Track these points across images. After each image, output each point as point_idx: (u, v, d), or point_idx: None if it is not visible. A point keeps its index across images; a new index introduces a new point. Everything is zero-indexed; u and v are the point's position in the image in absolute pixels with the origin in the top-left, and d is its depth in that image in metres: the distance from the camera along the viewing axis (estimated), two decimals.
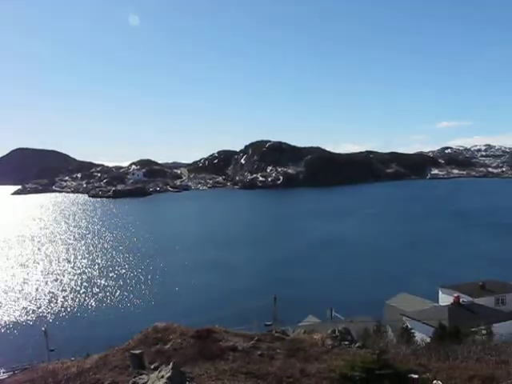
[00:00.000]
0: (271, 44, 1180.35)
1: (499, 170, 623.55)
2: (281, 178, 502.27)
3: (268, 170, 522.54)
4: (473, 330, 45.66)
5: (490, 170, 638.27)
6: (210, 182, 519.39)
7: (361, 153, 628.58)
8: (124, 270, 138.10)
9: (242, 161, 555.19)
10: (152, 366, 20.62)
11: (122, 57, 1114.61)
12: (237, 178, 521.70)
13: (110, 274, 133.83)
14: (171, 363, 18.13)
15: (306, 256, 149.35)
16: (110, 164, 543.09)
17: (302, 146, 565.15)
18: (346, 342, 21.68)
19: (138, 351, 21.80)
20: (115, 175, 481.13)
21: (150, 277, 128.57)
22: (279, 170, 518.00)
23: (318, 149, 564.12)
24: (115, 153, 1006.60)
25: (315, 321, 62.12)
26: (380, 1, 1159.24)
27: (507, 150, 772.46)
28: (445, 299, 71.55)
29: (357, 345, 21.63)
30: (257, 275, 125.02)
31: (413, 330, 52.23)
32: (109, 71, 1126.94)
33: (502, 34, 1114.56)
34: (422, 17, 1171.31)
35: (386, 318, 69.19)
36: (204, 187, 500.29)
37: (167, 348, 23.54)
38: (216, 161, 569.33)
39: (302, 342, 21.78)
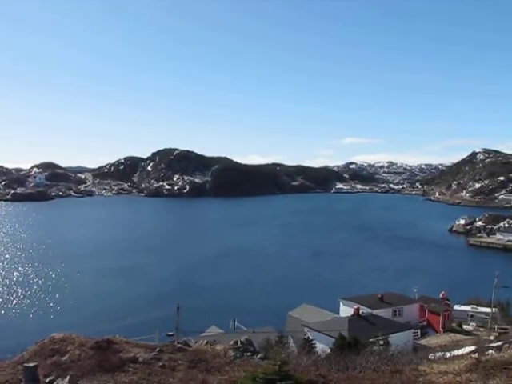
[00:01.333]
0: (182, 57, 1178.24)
1: (400, 187, 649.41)
2: (187, 186, 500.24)
3: (175, 179, 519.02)
4: (371, 340, 46.95)
5: (392, 186, 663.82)
6: (115, 188, 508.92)
7: (268, 164, 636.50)
8: (20, 277, 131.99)
9: (149, 168, 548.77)
10: (47, 380, 19.71)
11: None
12: (143, 186, 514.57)
13: (4, 281, 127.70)
14: (68, 376, 17.40)
15: (211, 266, 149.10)
16: (10, 166, 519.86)
17: (210, 155, 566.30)
18: (248, 353, 21.63)
19: (32, 364, 20.72)
20: (15, 177, 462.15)
21: (48, 284, 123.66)
22: (186, 178, 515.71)
23: (225, 159, 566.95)
24: (15, 154, 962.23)
25: (218, 331, 61.87)
26: None
27: (408, 167, 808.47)
28: (345, 311, 73.34)
29: (259, 356, 21.61)
30: (160, 284, 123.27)
31: (314, 341, 53.11)
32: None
33: (411, 61, 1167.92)
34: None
35: (288, 328, 69.89)
36: (109, 193, 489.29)
37: (64, 360, 22.59)
38: (122, 167, 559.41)
39: (204, 353, 21.53)
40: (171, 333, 41.45)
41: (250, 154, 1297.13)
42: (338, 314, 75.91)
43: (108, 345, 22.50)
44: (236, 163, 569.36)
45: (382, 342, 47.22)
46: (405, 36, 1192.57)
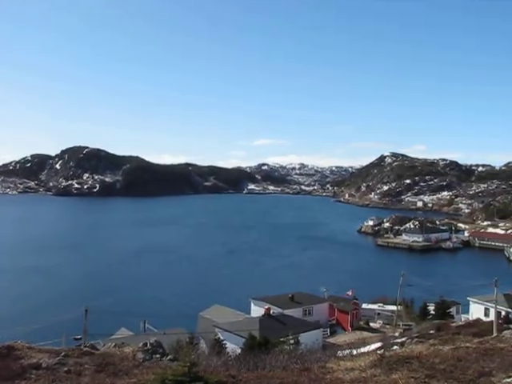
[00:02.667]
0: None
1: (311, 188, 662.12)
2: (97, 185, 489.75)
3: (84, 177, 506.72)
4: (281, 339, 47.49)
5: (303, 187, 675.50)
6: (21, 186, 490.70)
7: (180, 164, 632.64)
8: None
9: (58, 166, 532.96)
10: None
11: None
12: (50, 184, 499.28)
13: None
14: None
15: (122, 266, 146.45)
16: None
17: (121, 154, 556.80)
18: (158, 355, 21.27)
19: None
20: None
21: None
22: (96, 177, 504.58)
23: (137, 158, 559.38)
24: None
25: (128, 334, 60.74)
26: None
27: (319, 169, 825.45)
28: (256, 311, 73.89)
29: (168, 357, 21.29)
30: (69, 285, 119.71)
31: (225, 342, 53.13)
32: None
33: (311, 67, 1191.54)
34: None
35: (199, 329, 69.62)
36: (14, 192, 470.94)
37: None
38: (29, 164, 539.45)
39: (111, 356, 20.95)
40: (79, 336, 40.32)
41: (163, 154, 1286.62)
42: (250, 314, 76.33)
43: (8, 351, 21.48)
44: (148, 163, 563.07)
45: (292, 341, 47.85)
46: (310, 43, 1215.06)
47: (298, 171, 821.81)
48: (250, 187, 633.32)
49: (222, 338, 55.39)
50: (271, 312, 65.10)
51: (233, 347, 49.22)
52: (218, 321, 66.84)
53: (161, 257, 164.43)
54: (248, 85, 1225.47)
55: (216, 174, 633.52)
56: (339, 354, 32.44)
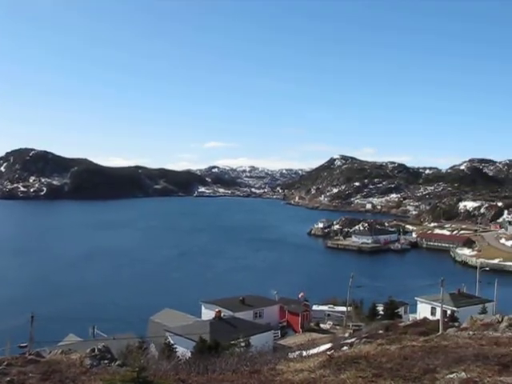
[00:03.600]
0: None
1: (261, 191, 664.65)
2: (44, 189, 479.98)
3: (31, 180, 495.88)
4: (232, 342, 47.45)
5: (254, 190, 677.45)
6: None
7: (130, 167, 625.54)
8: None
9: (2, 169, 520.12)
10: None
11: None
12: None
13: None
14: None
15: (70, 270, 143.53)
16: None
17: (69, 156, 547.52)
18: (106, 361, 20.92)
19: None
20: None
21: None
22: (43, 180, 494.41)
23: (85, 160, 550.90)
24: None
25: (76, 340, 59.59)
26: None
27: (269, 172, 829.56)
28: (207, 314, 73.65)
29: (117, 363, 20.97)
30: (13, 291, 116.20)
31: (175, 345, 52.75)
32: None
33: (262, 67, 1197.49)
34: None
35: (149, 334, 68.87)
36: None
37: None
38: None
39: (58, 363, 20.49)
40: (24, 344, 39.39)
41: (112, 157, 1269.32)
42: (200, 317, 76.04)
43: None
44: (97, 165, 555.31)
45: (242, 344, 47.87)
46: (263, 42, 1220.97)
47: (248, 174, 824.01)
48: (200, 190, 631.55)
49: (172, 341, 54.97)
50: (222, 315, 64.97)
51: (183, 351, 48.91)
52: (169, 325, 66.29)
53: (111, 260, 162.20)
54: (198, 87, 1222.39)
55: (166, 176, 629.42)
56: (289, 355, 32.64)
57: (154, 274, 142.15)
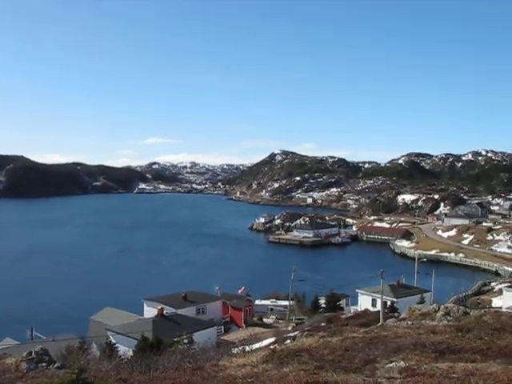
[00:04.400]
0: None
1: (203, 187, 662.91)
2: None
3: None
4: (175, 339, 47.08)
5: (195, 186, 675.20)
6: None
7: (68, 164, 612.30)
8: None
9: None
10: None
11: None
12: None
13: None
14: None
15: (6, 270, 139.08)
16: None
17: (4, 153, 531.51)
18: (44, 364, 20.34)
19: None
20: None
21: None
22: None
23: (21, 158, 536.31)
24: None
25: (13, 343, 57.81)
26: None
27: (210, 168, 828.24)
28: (150, 311, 72.78)
29: (55, 365, 20.42)
30: None
31: (117, 345, 51.95)
32: None
33: (197, 62, 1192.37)
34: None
35: (91, 334, 67.54)
36: None
37: None
38: None
39: None
40: None
41: (49, 153, 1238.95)
42: (143, 315, 75.15)
43: None
44: (34, 162, 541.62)
45: (185, 341, 47.57)
46: (197, 38, 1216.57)
47: (189, 170, 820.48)
48: (140, 187, 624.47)
49: (113, 341, 54.11)
50: (164, 312, 64.39)
51: (125, 350, 48.22)
52: (110, 324, 65.23)
53: (49, 259, 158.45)
54: (137, 83, 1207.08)
55: (105, 173, 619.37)
56: (233, 350, 32.64)
57: (94, 272, 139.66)
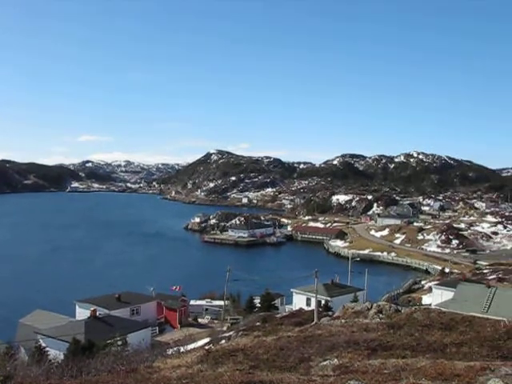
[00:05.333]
0: None
1: (137, 186, 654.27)
2: None
3: None
4: (108, 341, 46.26)
5: (129, 185, 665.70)
6: None
7: None
8: None
9: None
10: None
11: None
12: None
13: None
14: None
15: None
16: None
17: None
18: None
19: None
20: None
21: None
22: None
23: None
24: None
25: None
26: None
27: (145, 167, 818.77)
28: (82, 313, 71.21)
29: None
30: None
31: (47, 348, 50.54)
32: None
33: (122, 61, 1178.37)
34: None
35: (19, 338, 65.45)
36: None
37: None
38: None
39: None
40: None
41: None
42: (75, 317, 73.43)
43: None
44: None
45: (119, 343, 46.83)
46: (128, 36, 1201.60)
47: (123, 168, 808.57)
48: (73, 185, 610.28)
49: (43, 344, 52.60)
50: (97, 314, 63.14)
51: (56, 354, 46.98)
52: (40, 327, 63.39)
53: None
54: (70, 81, 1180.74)
55: (37, 171, 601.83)
56: (168, 352, 32.32)
57: (23, 272, 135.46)
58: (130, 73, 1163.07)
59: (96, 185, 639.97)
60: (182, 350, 29.71)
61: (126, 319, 66.05)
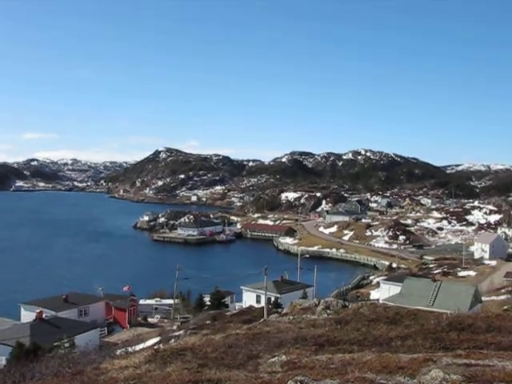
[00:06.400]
0: None
1: (85, 184, 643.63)
2: None
3: None
4: (55, 344, 45.40)
5: (76, 183, 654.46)
6: None
7: None
8: None
9: None
10: None
11: None
12: None
13: None
14: None
15: None
16: None
17: None
18: None
19: None
20: None
21: None
22: None
23: None
24: None
25: None
26: None
27: (92, 165, 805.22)
28: (27, 316, 69.62)
29: None
30: None
31: None
32: None
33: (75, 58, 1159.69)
34: None
35: None
36: None
37: None
38: None
39: None
40: None
41: None
42: (20, 320, 71.75)
43: None
44: None
45: (67, 345, 46.01)
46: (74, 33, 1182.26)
47: (70, 167, 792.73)
48: (18, 184, 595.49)
49: None
50: (44, 316, 61.86)
51: None
52: None
53: None
54: (9, 77, 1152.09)
55: None
56: (116, 352, 31.94)
57: None
58: (77, 70, 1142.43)
59: (42, 184, 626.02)
60: (130, 350, 29.44)
61: (73, 320, 65.00)
